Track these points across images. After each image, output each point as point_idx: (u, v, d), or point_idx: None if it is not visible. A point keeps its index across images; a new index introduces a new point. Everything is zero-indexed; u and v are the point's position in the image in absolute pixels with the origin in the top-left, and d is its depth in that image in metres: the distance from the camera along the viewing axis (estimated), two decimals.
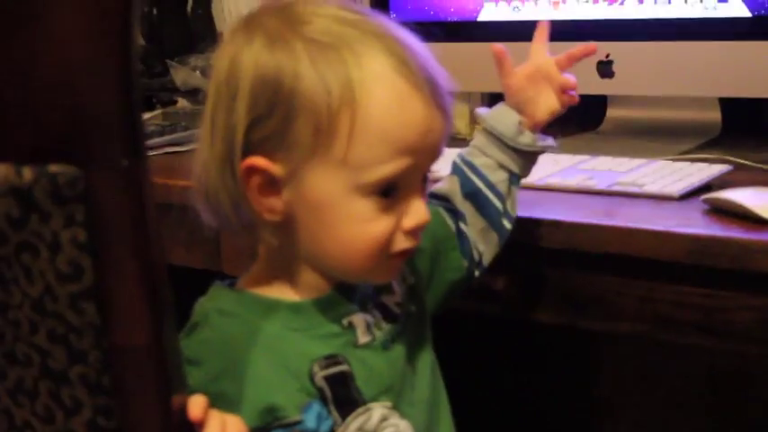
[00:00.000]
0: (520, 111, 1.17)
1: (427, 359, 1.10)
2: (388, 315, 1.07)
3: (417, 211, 0.98)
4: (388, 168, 0.95)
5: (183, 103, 2.07)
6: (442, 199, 1.18)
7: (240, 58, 0.97)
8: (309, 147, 0.94)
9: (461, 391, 1.48)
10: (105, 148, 0.73)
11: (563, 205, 1.25)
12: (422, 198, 0.99)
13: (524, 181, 1.36)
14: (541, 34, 1.23)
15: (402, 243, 0.99)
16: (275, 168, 0.96)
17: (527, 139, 1.17)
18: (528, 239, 1.20)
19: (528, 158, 1.18)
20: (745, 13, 1.49)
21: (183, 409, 0.83)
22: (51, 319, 0.76)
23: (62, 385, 0.79)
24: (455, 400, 1.14)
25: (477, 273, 1.19)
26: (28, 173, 0.73)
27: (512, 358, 1.62)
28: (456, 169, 1.19)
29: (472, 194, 1.17)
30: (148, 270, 0.76)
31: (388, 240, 0.98)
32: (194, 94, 2.04)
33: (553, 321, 1.23)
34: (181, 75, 2.04)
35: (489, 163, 1.17)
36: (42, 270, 0.75)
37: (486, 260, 1.19)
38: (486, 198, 1.17)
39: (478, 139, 1.18)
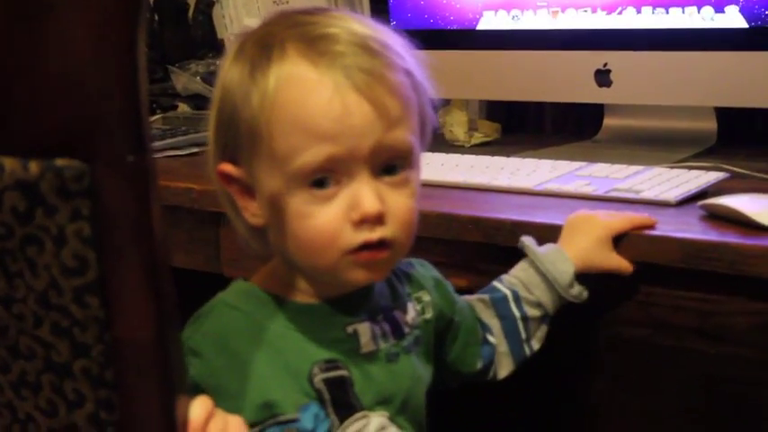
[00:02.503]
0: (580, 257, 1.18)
1: (423, 389, 1.11)
2: (397, 330, 1.08)
3: (361, 202, 0.96)
4: (308, 155, 0.95)
5: (183, 107, 2.09)
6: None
7: (219, 72, 1.03)
8: (249, 148, 0.98)
9: (456, 395, 1.49)
10: (111, 144, 0.73)
11: (561, 210, 1.26)
12: (368, 189, 0.97)
13: (522, 186, 1.38)
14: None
15: (354, 237, 0.97)
16: (239, 172, 1.00)
17: (576, 291, 1.18)
18: None
19: (564, 302, 1.19)
20: (742, 23, 1.50)
21: (185, 406, 0.83)
22: (55, 312, 0.77)
23: (65, 379, 0.79)
24: (451, 403, 1.14)
25: (488, 379, 1.21)
26: (34, 167, 0.73)
27: None
28: (493, 291, 1.20)
29: (504, 319, 1.19)
30: (152, 265, 0.76)
31: (334, 235, 0.97)
32: (194, 99, 2.05)
33: (552, 326, 1.24)
34: (181, 80, 2.05)
35: (531, 300, 1.18)
36: (47, 264, 0.75)
37: (501, 376, 1.21)
38: (517, 329, 1.19)
39: (527, 274, 1.19)
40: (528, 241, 1.19)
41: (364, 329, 1.05)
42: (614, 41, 1.62)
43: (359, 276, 1.00)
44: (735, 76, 1.52)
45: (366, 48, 0.97)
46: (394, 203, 0.98)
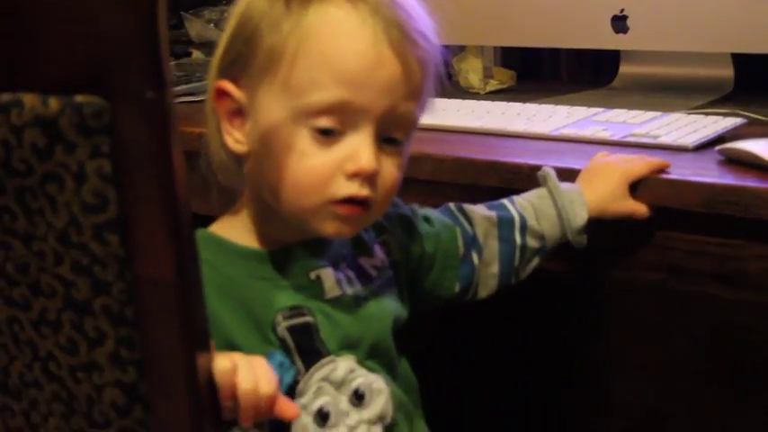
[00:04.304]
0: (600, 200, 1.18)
1: (390, 330, 1.09)
2: (363, 275, 1.07)
3: (359, 157, 0.96)
4: (324, 94, 0.95)
5: (197, 54, 2.08)
6: (467, 218, 1.19)
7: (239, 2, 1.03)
8: (262, 70, 0.97)
9: (472, 341, 1.49)
10: (130, 80, 0.73)
11: (577, 155, 1.25)
12: (369, 147, 0.97)
13: (539, 131, 1.38)
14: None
15: (343, 187, 0.97)
16: (238, 94, 1.00)
17: (582, 239, 1.18)
18: None
19: (563, 242, 1.19)
20: None
21: (207, 361, 0.83)
22: (75, 250, 0.77)
23: (85, 316, 0.79)
24: (466, 349, 1.14)
25: (466, 299, 1.20)
26: (54, 103, 0.73)
27: (525, 306, 1.62)
28: (503, 210, 1.19)
29: (505, 242, 1.18)
30: (172, 202, 0.76)
31: (325, 180, 0.97)
32: (208, 46, 2.04)
33: (568, 270, 1.24)
34: (195, 27, 2.05)
35: (536, 230, 1.18)
36: (67, 201, 0.75)
37: (480, 296, 1.20)
38: (513, 255, 1.19)
39: (542, 203, 1.18)
40: (551, 172, 1.19)
41: (327, 275, 1.04)
42: None
43: (331, 228, 1.00)
44: (752, 23, 1.51)
45: (404, 11, 0.98)
46: (386, 170, 0.99)
